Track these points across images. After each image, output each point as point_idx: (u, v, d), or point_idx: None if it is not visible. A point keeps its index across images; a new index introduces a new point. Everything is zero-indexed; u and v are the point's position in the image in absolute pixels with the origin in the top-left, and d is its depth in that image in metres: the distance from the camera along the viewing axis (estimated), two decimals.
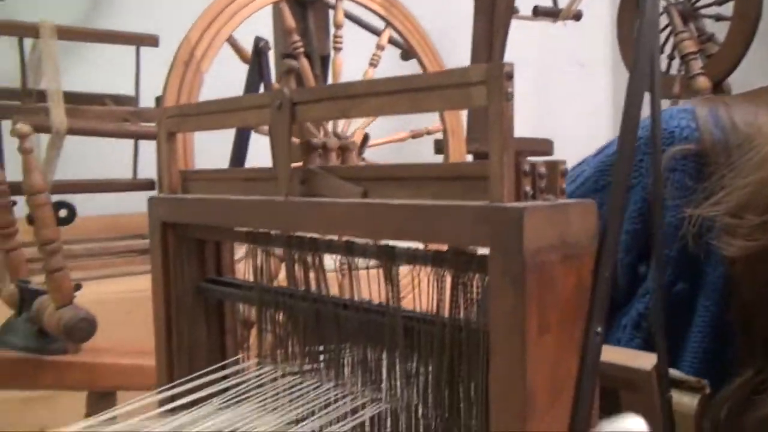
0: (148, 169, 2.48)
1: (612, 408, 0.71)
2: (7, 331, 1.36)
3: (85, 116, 2.34)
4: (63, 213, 1.25)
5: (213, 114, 0.77)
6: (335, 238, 0.65)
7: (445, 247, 0.56)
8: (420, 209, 0.54)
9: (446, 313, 0.57)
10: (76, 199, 2.45)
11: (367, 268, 0.66)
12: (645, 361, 0.64)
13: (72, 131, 2.31)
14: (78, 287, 1.42)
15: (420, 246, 0.59)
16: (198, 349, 0.82)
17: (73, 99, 2.40)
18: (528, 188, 0.51)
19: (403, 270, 0.61)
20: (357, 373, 0.65)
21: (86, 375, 1.38)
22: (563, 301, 0.51)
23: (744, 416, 0.73)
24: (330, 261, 0.67)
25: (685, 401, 0.68)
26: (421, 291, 0.59)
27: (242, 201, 0.71)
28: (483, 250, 0.53)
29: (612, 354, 0.67)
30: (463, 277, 0.54)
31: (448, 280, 0.58)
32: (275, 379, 0.71)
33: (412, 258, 0.57)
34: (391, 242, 0.59)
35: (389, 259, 0.59)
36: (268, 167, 0.71)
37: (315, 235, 0.66)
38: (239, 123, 0.87)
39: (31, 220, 1.24)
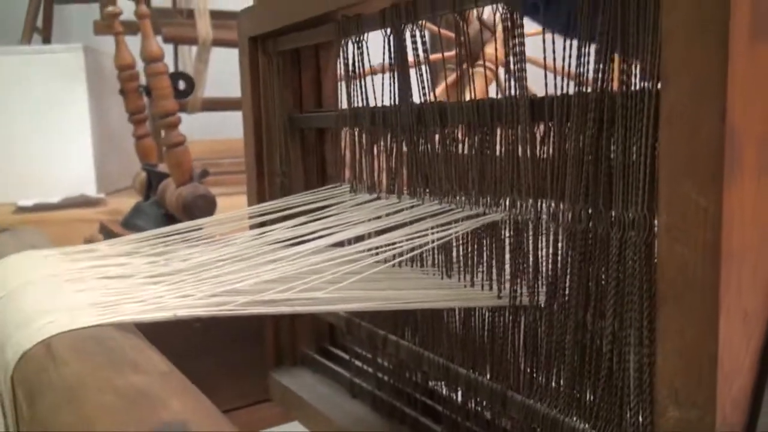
0: None
1: None
2: (135, 215, 1.33)
3: (231, 29, 2.31)
4: (182, 85, 1.19)
5: None
6: None
7: None
8: None
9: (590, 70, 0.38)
10: (228, 118, 2.47)
11: None
12: None
13: (217, 42, 2.30)
14: (205, 173, 1.36)
15: None
16: (294, 185, 0.69)
17: (220, 16, 2.39)
18: None
19: None
20: (470, 190, 0.48)
21: None
22: None
23: None
24: None
25: None
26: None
27: None
28: None
29: None
30: None
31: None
32: (375, 200, 0.56)
33: None
34: None
35: None
36: None
37: None
38: None
39: (148, 91, 1.18)
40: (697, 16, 0.29)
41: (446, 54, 1.11)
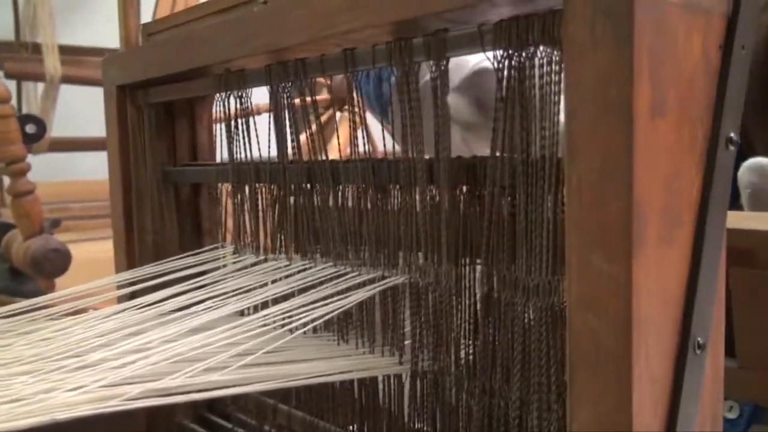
0: None
1: None
2: None
3: (82, 65, 2.18)
4: (31, 129, 1.08)
5: None
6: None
7: None
8: None
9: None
10: (77, 158, 2.31)
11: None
12: None
13: (67, 79, 2.15)
14: (57, 223, 1.26)
15: None
16: (167, 243, 0.64)
17: (70, 52, 2.24)
18: None
19: None
20: (366, 250, 0.46)
21: None
22: (685, 77, 0.32)
23: None
24: None
25: None
26: None
27: (211, 27, 0.53)
28: None
29: None
30: (518, 55, 0.35)
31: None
32: (262, 262, 0.53)
33: (437, 45, 0.38)
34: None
35: (406, 55, 0.40)
36: None
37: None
38: None
39: None
40: (602, 95, 0.30)
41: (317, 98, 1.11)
